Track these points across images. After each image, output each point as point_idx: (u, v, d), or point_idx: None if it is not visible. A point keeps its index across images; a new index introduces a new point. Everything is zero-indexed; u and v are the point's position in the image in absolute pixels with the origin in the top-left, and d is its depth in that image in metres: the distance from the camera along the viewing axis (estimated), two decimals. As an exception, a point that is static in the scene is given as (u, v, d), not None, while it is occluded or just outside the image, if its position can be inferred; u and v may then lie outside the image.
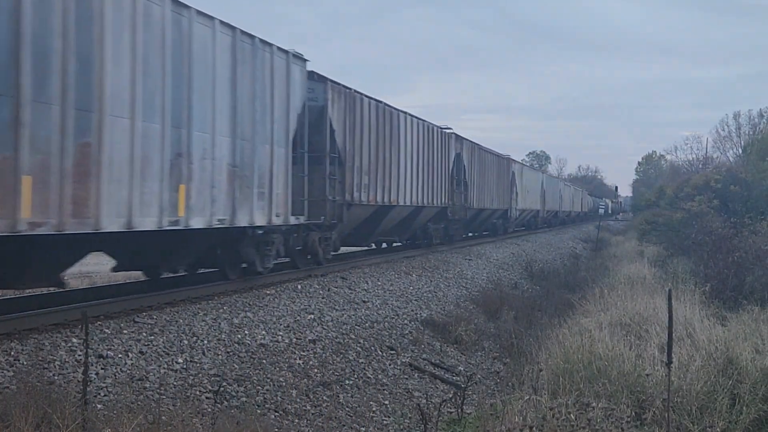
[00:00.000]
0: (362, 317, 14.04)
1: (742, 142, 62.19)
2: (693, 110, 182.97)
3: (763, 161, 35.13)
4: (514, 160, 40.73)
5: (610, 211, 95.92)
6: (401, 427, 9.89)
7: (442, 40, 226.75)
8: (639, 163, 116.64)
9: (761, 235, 23.52)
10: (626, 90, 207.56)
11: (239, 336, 10.80)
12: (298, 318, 12.56)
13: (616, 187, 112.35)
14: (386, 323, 14.31)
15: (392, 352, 12.91)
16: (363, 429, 9.61)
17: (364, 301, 15.18)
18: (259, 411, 8.73)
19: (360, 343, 12.61)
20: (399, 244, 25.90)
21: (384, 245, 25.25)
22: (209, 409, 8.17)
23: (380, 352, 12.63)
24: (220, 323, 11.03)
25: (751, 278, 17.79)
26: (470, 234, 34.83)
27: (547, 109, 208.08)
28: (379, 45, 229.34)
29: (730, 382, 9.17)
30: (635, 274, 20.97)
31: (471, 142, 30.59)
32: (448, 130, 26.54)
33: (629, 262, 26.07)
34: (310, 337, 11.84)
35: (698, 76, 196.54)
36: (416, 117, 22.73)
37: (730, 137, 67.97)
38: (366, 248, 23.43)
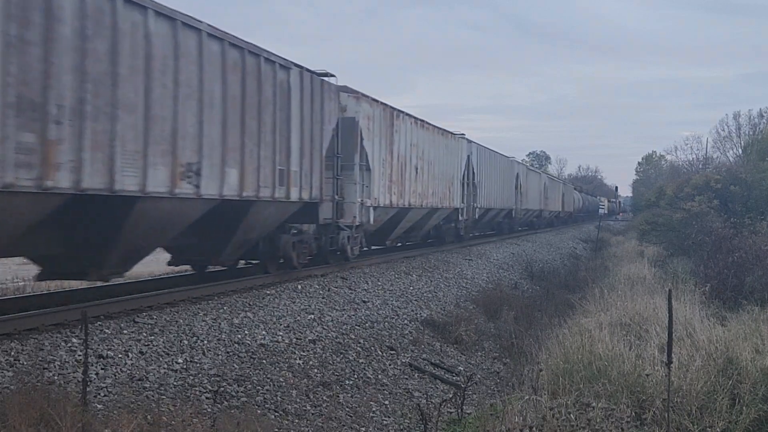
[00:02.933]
0: (362, 317, 14.04)
1: (742, 142, 62.17)
2: (693, 110, 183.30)
3: (763, 161, 35.13)
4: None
5: (607, 211, 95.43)
6: (401, 427, 9.89)
7: (441, 41, 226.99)
8: (639, 163, 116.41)
9: (761, 235, 23.56)
10: (626, 90, 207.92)
11: (239, 336, 10.80)
12: (298, 318, 12.56)
13: (616, 187, 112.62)
14: (386, 323, 14.30)
15: (392, 352, 12.91)
16: (363, 429, 9.60)
17: (364, 301, 15.18)
18: (259, 411, 8.73)
19: (360, 343, 12.61)
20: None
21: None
22: (209, 409, 8.17)
23: (380, 352, 12.63)
24: (220, 323, 11.03)
25: (751, 278, 17.78)
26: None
27: (547, 109, 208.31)
28: (378, 45, 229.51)
29: (730, 382, 9.16)
30: (635, 274, 20.97)
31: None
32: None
33: (629, 262, 26.06)
34: (310, 337, 11.84)
35: (698, 76, 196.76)
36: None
37: (730, 137, 68.00)
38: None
